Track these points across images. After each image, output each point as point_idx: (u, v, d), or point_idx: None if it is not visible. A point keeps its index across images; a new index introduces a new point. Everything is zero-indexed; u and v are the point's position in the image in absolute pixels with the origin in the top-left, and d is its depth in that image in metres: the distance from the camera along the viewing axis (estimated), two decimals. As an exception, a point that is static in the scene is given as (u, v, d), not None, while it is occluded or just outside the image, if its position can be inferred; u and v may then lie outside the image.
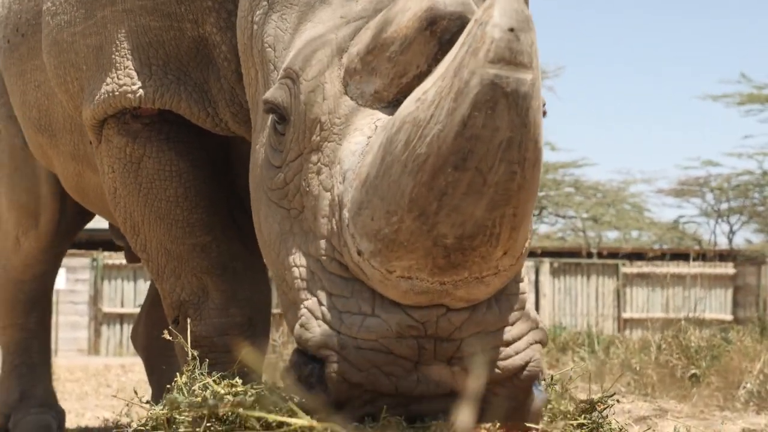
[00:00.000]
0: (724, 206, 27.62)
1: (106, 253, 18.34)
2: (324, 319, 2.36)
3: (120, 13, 3.44)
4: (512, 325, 2.40)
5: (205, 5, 3.28)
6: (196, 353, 2.66)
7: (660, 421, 5.81)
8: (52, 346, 17.65)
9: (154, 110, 3.44)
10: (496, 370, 2.36)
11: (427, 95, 2.19)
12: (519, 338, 2.40)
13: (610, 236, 30.96)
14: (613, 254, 22.47)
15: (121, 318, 18.47)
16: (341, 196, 2.37)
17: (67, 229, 5.11)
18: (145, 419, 2.49)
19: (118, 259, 18.07)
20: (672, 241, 29.10)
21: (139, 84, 3.39)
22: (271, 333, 3.73)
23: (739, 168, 34.81)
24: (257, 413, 2.34)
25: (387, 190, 2.23)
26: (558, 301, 20.56)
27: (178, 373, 2.61)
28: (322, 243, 2.41)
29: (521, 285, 2.45)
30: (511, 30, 2.09)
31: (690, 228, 29.08)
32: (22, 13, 4.14)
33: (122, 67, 3.43)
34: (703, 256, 22.02)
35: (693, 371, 7.73)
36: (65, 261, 17.56)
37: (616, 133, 67.24)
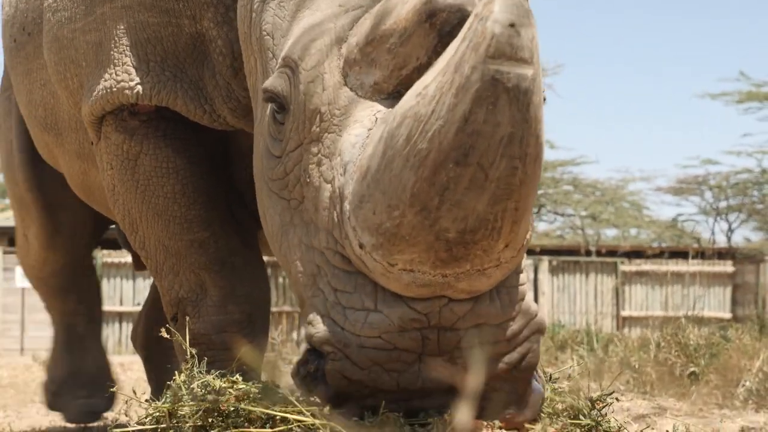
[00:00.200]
0: (722, 204, 27.61)
1: (104, 252, 18.32)
2: (329, 315, 2.37)
3: (119, 10, 3.44)
4: (513, 319, 2.40)
5: (203, 0, 3.28)
6: (194, 351, 2.66)
7: (659, 419, 5.81)
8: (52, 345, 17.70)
9: (151, 107, 3.44)
10: (497, 365, 2.37)
11: (428, 90, 2.18)
12: (519, 333, 2.41)
13: (609, 234, 30.96)
14: (612, 252, 22.46)
15: (120, 316, 18.44)
16: (342, 189, 2.37)
17: (75, 223, 5.02)
18: (146, 414, 2.49)
19: (117, 257, 18.07)
20: (671, 239, 29.09)
21: (137, 80, 3.39)
22: (270, 331, 3.73)
23: (738, 166, 34.84)
24: (260, 408, 2.35)
25: (388, 185, 2.22)
26: (557, 299, 20.56)
27: (177, 372, 2.60)
28: (324, 235, 2.41)
29: (521, 276, 2.47)
30: (512, 25, 2.09)
31: (689, 226, 29.07)
32: (29, 12, 4.14)
33: (120, 64, 3.44)
34: (701, 254, 22.02)
35: (692, 369, 7.73)
36: (64, 259, 17.49)
37: (614, 132, 67.23)
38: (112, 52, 3.46)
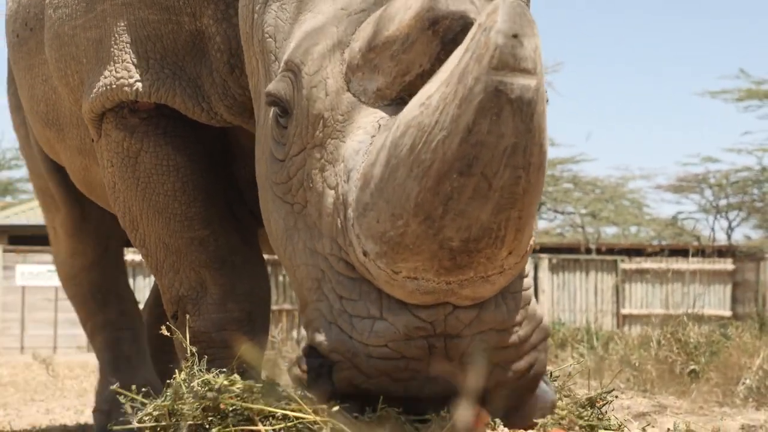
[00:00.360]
0: (722, 202, 27.61)
1: (104, 250, 18.31)
2: (336, 323, 2.37)
3: (119, 6, 3.44)
4: (519, 324, 2.40)
5: None
6: (194, 349, 2.66)
7: (659, 416, 5.81)
8: (51, 344, 17.70)
9: (151, 104, 3.44)
10: (504, 372, 2.37)
11: (432, 100, 2.18)
12: (526, 340, 2.41)
13: (609, 232, 30.97)
14: (612, 250, 22.46)
15: (120, 315, 18.42)
16: (345, 196, 2.37)
17: (103, 211, 4.78)
18: (146, 412, 2.49)
19: (117, 255, 18.03)
20: (671, 237, 29.09)
21: (136, 77, 3.40)
22: (270, 329, 3.73)
23: (738, 164, 34.85)
24: (260, 406, 2.35)
25: (392, 194, 2.23)
26: (557, 297, 20.55)
27: (177, 370, 2.60)
28: (328, 241, 2.41)
29: (525, 281, 2.47)
30: (515, 36, 2.09)
31: (689, 224, 29.07)
32: (31, 8, 4.15)
33: (120, 61, 3.44)
34: (702, 252, 22.01)
35: (692, 367, 7.74)
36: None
37: (614, 130, 67.22)
38: (112, 49, 3.46)
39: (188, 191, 3.45)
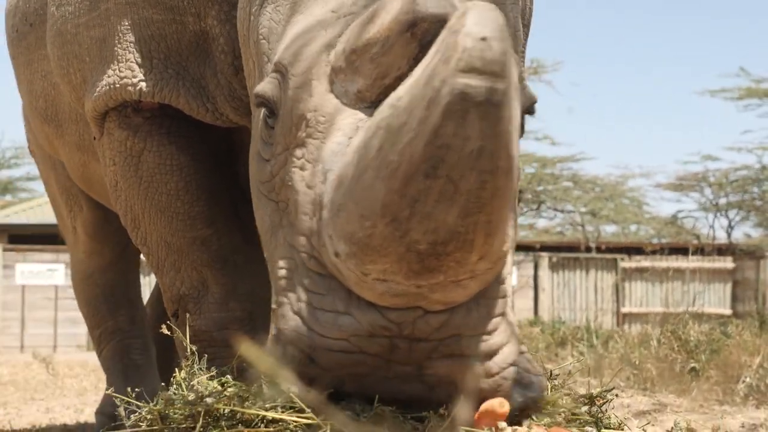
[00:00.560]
0: (722, 201, 27.61)
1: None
2: (299, 315, 2.36)
3: (123, 6, 3.44)
4: (491, 333, 2.37)
5: None
6: (194, 348, 2.66)
7: (659, 415, 5.82)
8: (51, 343, 17.71)
9: (155, 104, 3.44)
10: (469, 382, 2.34)
11: (401, 102, 2.17)
12: (495, 352, 2.37)
13: (609, 230, 30.98)
14: (612, 248, 22.47)
15: (120, 313, 18.43)
16: (321, 197, 2.37)
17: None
18: (140, 416, 2.49)
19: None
20: (671, 236, 29.10)
21: (140, 77, 3.40)
22: (271, 328, 3.73)
23: (738, 163, 34.83)
24: (253, 411, 2.35)
25: (361, 195, 2.22)
26: (557, 296, 20.57)
27: (177, 369, 2.61)
28: (302, 240, 2.42)
29: (502, 288, 2.42)
30: (484, 39, 2.06)
31: (688, 222, 29.09)
32: (31, 3, 4.15)
33: (124, 60, 3.44)
34: (701, 251, 22.02)
35: (692, 365, 7.74)
36: (64, 257, 17.56)
37: (614, 129, 67.24)
38: (115, 48, 3.46)
39: (191, 190, 3.45)
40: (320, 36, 2.53)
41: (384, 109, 2.23)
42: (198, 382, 2.45)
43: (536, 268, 20.43)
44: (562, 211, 28.46)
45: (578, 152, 42.30)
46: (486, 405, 2.34)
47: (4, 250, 18.35)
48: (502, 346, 2.38)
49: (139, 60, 3.42)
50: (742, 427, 5.45)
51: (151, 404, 2.48)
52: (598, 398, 2.71)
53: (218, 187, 3.53)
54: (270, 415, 2.33)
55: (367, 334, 2.29)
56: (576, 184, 27.89)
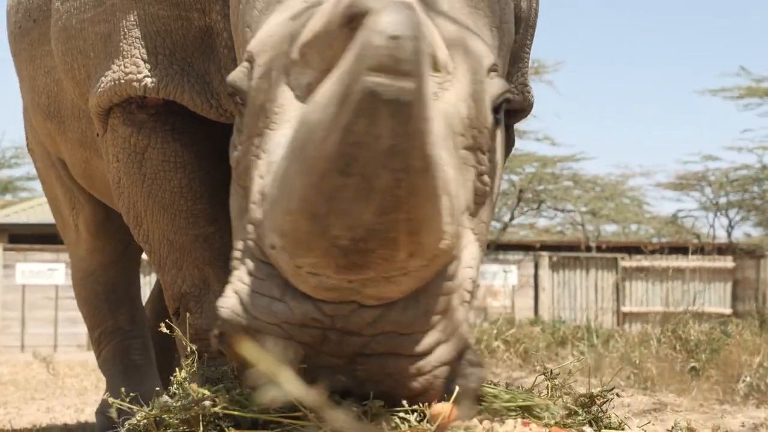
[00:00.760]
0: (722, 200, 27.60)
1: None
2: (239, 295, 2.38)
3: (129, 1, 3.45)
4: (427, 331, 2.34)
5: None
6: (195, 347, 2.66)
7: (659, 414, 5.82)
8: (51, 342, 17.71)
9: (159, 100, 3.44)
10: (399, 379, 2.33)
11: (320, 98, 2.18)
12: (430, 351, 2.35)
13: (609, 230, 30.97)
14: (612, 248, 22.47)
15: (121, 313, 18.43)
16: (264, 188, 2.39)
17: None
18: (134, 421, 2.49)
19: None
20: (671, 235, 29.10)
21: (145, 73, 3.40)
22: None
23: (738, 162, 34.84)
24: (249, 414, 2.35)
25: (286, 189, 2.23)
26: (557, 295, 20.57)
27: (177, 368, 2.60)
28: (250, 227, 2.44)
29: (448, 284, 2.39)
30: (395, 37, 2.04)
31: (689, 222, 29.08)
32: None
33: (129, 56, 3.44)
34: (701, 250, 22.02)
35: (692, 365, 7.74)
36: (65, 257, 17.55)
37: (614, 128, 67.24)
38: (121, 44, 3.46)
39: (194, 188, 3.45)
40: (288, 26, 2.53)
41: (308, 105, 2.24)
42: (192, 387, 2.45)
43: (536, 267, 20.43)
44: (562, 211, 28.45)
45: (578, 152, 42.29)
46: (436, 409, 2.33)
47: (5, 249, 18.35)
48: (439, 345, 2.36)
49: (145, 56, 3.42)
50: (743, 426, 5.45)
51: (146, 409, 2.48)
52: (599, 397, 2.70)
53: (221, 184, 3.53)
54: (267, 417, 2.33)
55: (299, 323, 2.30)
56: (576, 183, 27.87)
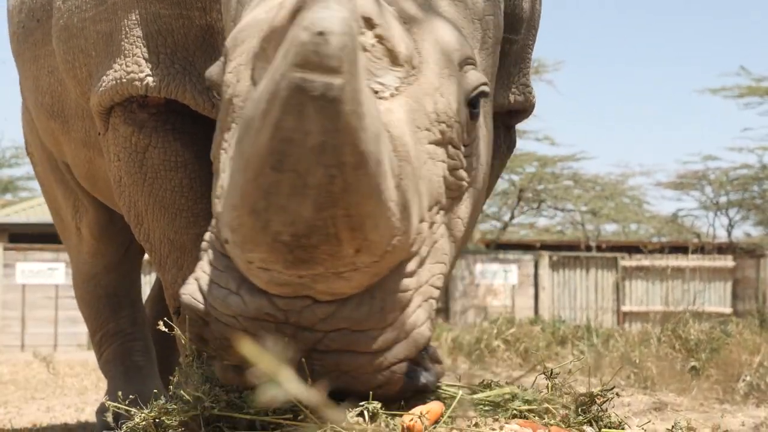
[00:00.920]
0: (723, 199, 27.61)
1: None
2: (198, 283, 2.40)
3: (130, 0, 3.45)
4: (383, 328, 2.32)
5: None
6: (194, 347, 2.66)
7: (660, 414, 5.82)
8: (51, 342, 17.70)
9: (160, 100, 3.45)
10: (355, 375, 2.32)
11: (256, 94, 2.18)
12: (386, 348, 2.33)
13: (609, 229, 30.98)
14: (612, 247, 22.47)
15: (121, 313, 18.42)
16: (224, 182, 2.40)
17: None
18: (133, 424, 2.49)
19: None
20: (671, 234, 29.10)
21: (147, 72, 3.40)
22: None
23: (738, 161, 34.82)
24: (247, 416, 2.35)
25: (230, 185, 2.24)
26: (557, 295, 20.57)
27: (177, 368, 2.60)
28: (213, 220, 2.46)
29: (406, 281, 2.37)
30: (321, 34, 2.03)
31: (689, 221, 29.08)
32: None
33: (131, 55, 3.44)
34: (702, 249, 22.01)
35: (692, 364, 7.75)
36: (65, 257, 17.54)
37: (615, 128, 67.25)
38: (122, 43, 3.46)
39: (195, 187, 3.45)
40: (261, 22, 2.53)
41: (250, 101, 2.24)
42: (191, 390, 2.45)
43: (537, 266, 20.42)
44: (562, 210, 28.45)
45: (578, 151, 42.28)
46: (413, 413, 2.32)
47: (5, 249, 18.34)
48: (396, 342, 2.34)
49: (146, 55, 3.42)
50: (743, 425, 5.45)
51: (145, 411, 2.48)
52: (599, 397, 2.70)
53: None
54: (265, 419, 2.33)
55: (252, 317, 2.31)
56: (576, 183, 27.87)
